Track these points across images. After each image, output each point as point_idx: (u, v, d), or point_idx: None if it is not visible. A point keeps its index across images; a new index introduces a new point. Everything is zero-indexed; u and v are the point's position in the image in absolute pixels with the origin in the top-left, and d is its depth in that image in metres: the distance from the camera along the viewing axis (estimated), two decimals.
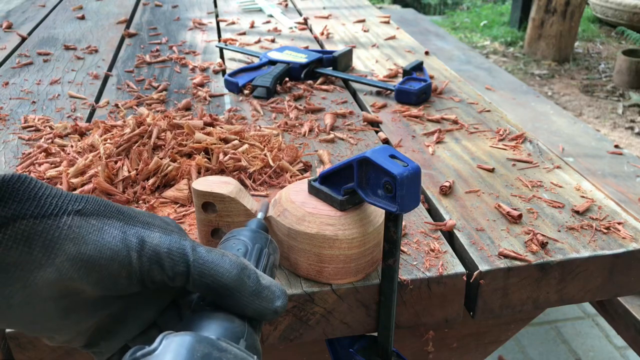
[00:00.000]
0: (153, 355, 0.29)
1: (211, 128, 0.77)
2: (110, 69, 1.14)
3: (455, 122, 0.87)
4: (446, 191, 0.67)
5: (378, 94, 0.99)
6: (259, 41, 1.28)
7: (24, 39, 1.34)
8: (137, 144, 0.71)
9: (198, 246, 0.35)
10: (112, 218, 0.34)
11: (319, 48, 1.27)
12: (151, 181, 0.67)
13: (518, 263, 0.55)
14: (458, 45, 2.83)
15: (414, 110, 0.91)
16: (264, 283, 0.36)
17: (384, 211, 0.48)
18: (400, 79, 1.03)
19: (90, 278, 0.32)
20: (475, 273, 0.54)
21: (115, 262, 0.32)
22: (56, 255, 0.30)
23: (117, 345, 0.37)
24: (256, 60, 1.13)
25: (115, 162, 0.69)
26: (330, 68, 1.07)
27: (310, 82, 1.04)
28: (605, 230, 0.60)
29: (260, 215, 0.50)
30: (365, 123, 0.87)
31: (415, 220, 0.62)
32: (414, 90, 0.93)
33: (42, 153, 0.75)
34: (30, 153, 0.76)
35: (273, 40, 1.29)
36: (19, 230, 0.30)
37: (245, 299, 0.35)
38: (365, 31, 1.38)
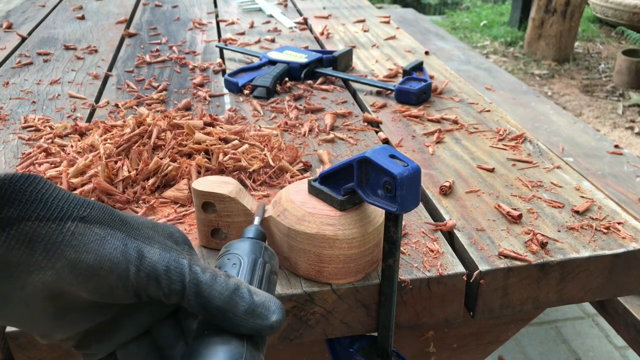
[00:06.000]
0: None
1: (211, 128, 0.77)
2: (110, 69, 1.14)
3: (455, 122, 0.87)
4: (446, 191, 0.67)
5: (378, 94, 0.99)
6: (258, 41, 1.28)
7: (24, 39, 1.34)
8: (137, 144, 0.71)
9: (195, 265, 0.35)
10: (115, 228, 0.34)
11: (319, 48, 1.27)
12: (151, 181, 0.67)
13: (518, 263, 0.55)
14: (458, 45, 2.83)
15: (414, 110, 0.91)
16: (257, 300, 0.36)
17: (384, 211, 0.48)
18: (400, 79, 1.03)
19: (88, 285, 0.32)
20: (475, 273, 0.54)
21: (113, 274, 0.33)
22: (57, 259, 0.31)
23: (108, 348, 0.37)
24: (256, 60, 1.13)
25: (115, 162, 0.69)
26: (330, 68, 1.07)
27: (310, 82, 1.04)
28: (605, 230, 0.60)
29: (256, 220, 0.50)
30: (365, 123, 0.87)
31: (415, 220, 0.62)
32: (414, 90, 0.93)
33: (42, 153, 0.75)
34: (30, 153, 0.76)
35: (273, 40, 1.29)
36: (22, 232, 0.30)
37: (238, 318, 0.35)
38: (365, 31, 1.38)
